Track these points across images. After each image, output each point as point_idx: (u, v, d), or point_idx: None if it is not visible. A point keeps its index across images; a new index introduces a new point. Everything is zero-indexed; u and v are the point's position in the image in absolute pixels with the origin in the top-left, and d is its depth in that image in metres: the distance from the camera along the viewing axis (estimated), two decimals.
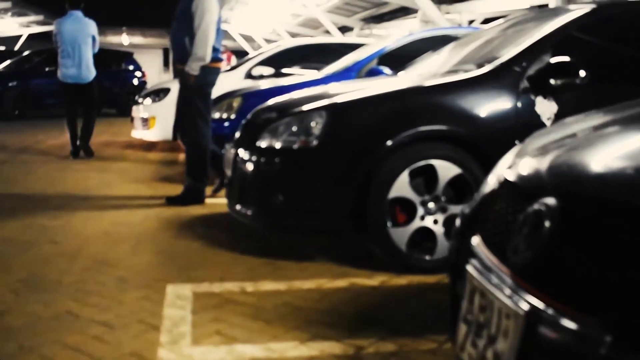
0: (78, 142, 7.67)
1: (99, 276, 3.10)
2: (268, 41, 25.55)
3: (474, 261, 1.57)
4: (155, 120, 8.10)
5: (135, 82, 16.06)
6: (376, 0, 15.57)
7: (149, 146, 8.81)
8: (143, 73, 16.83)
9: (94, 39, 7.68)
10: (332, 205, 3.18)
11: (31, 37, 27.15)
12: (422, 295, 2.95)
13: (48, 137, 10.03)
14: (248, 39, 28.23)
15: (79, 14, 7.65)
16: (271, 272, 3.20)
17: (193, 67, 4.75)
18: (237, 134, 3.86)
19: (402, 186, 3.14)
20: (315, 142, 3.17)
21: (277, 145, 3.31)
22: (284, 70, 8.02)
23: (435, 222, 3.21)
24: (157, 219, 4.36)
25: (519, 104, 3.31)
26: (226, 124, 5.75)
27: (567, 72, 3.27)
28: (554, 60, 3.29)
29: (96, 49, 7.78)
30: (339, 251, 3.58)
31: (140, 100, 8.45)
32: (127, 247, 3.61)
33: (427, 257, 3.22)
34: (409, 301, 2.87)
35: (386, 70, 5.49)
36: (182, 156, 7.80)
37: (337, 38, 12.18)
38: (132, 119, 8.68)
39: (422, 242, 3.23)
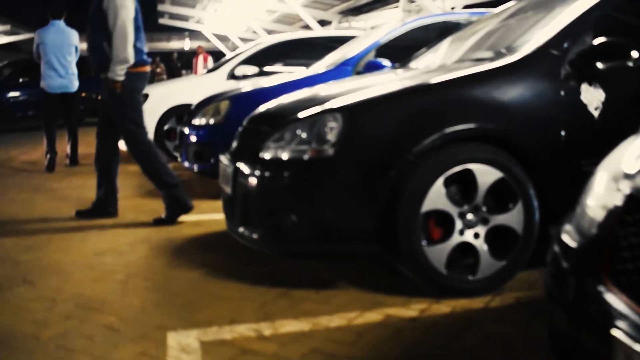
0: (68, 152, 7.67)
1: (84, 326, 2.59)
2: (243, 40, 25.01)
3: (621, 324, 1.10)
4: None
5: None
6: None
7: (129, 157, 8.23)
8: None
9: (76, 48, 7.59)
10: (355, 225, 2.71)
11: None
12: (472, 326, 2.49)
13: (20, 153, 9.43)
14: (222, 38, 27.63)
15: (61, 23, 7.51)
16: (289, 306, 2.72)
17: (117, 72, 4.26)
18: (234, 144, 3.37)
19: (436, 197, 2.67)
20: (331, 151, 2.68)
21: (285, 156, 2.82)
22: (269, 69, 7.54)
23: (476, 235, 2.75)
24: (146, 243, 3.84)
25: (562, 93, 2.86)
26: (213, 130, 5.23)
27: (615, 54, 2.82)
28: (598, 41, 2.84)
29: (76, 58, 7.68)
30: (361, 274, 3.10)
31: None
32: (115, 284, 3.10)
33: (470, 277, 2.76)
34: (460, 335, 2.41)
35: (385, 62, 5.05)
36: None
37: (322, 32, 11.67)
38: None
39: (460, 259, 2.78)
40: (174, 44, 35.44)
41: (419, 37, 5.63)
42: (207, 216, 4.55)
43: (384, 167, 2.66)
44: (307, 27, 18.59)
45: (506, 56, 3.00)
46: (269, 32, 20.69)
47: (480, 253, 2.75)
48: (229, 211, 3.22)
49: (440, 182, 2.66)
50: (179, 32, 31.66)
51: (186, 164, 5.45)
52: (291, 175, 2.77)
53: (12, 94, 13.65)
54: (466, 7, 12.96)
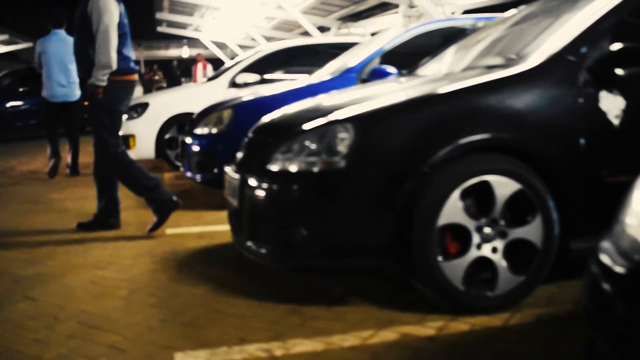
0: (69, 161, 7.63)
1: (87, 346, 2.49)
2: (242, 47, 24.98)
3: None
4: (135, 138, 7.47)
5: None
6: None
7: None
8: None
9: None
10: (368, 239, 2.60)
11: None
12: (492, 345, 2.39)
13: (20, 163, 9.34)
14: (221, 45, 27.59)
15: (62, 33, 7.50)
16: (300, 324, 2.61)
17: (99, 77, 4.18)
18: (240, 156, 3.27)
19: (453, 210, 2.57)
20: (342, 163, 2.58)
21: (293, 168, 2.72)
22: (271, 76, 7.45)
23: (494, 250, 2.65)
24: (149, 256, 3.74)
25: (580, 100, 2.76)
26: (216, 140, 5.13)
27: (635, 60, 2.74)
28: (616, 46, 2.75)
29: None
30: (372, 289, 3.00)
31: None
32: (118, 301, 2.99)
33: (488, 293, 2.66)
34: (480, 356, 2.31)
35: (390, 69, 4.96)
36: (167, 175, 7.19)
37: (323, 38, 11.57)
38: None
39: (477, 274, 2.68)
40: (173, 52, 35.38)
41: (424, 44, 5.55)
42: (211, 228, 4.45)
43: (398, 180, 2.56)
44: (306, 33, 18.53)
45: (521, 63, 2.91)
46: (268, 39, 20.65)
47: (498, 268, 2.66)
48: (236, 224, 3.11)
49: (456, 194, 2.56)
50: (178, 39, 31.59)
51: (189, 174, 5.35)
52: (300, 188, 2.67)
53: (12, 103, 13.58)
54: (466, 12, 12.92)
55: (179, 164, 7.39)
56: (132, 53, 4.44)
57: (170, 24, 24.20)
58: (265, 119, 3.42)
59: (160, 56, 37.13)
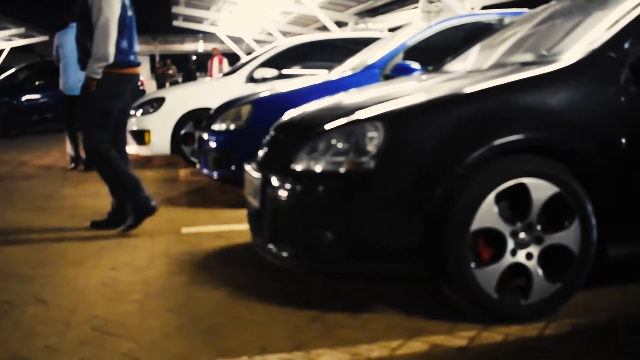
0: (82, 157, 7.53)
1: (100, 354, 2.37)
2: (258, 42, 24.84)
3: None
4: (150, 133, 7.38)
5: None
6: None
7: (145, 162, 8.07)
8: (142, 82, 16.21)
9: None
10: (397, 244, 2.46)
11: (13, 50, 26.28)
12: (527, 357, 2.25)
13: (34, 157, 9.28)
14: (236, 40, 27.46)
15: None
16: (323, 333, 2.48)
17: (94, 69, 4.06)
18: (261, 154, 3.13)
19: (487, 214, 2.43)
20: (371, 163, 2.44)
21: (319, 168, 2.58)
22: (289, 72, 7.32)
23: (529, 256, 2.50)
24: (166, 257, 3.62)
25: (622, 99, 2.61)
26: (235, 136, 5.01)
27: None
28: None
29: None
30: (398, 295, 2.86)
31: (132, 112, 7.69)
32: (133, 305, 2.87)
33: (522, 301, 2.51)
34: None
35: (415, 65, 4.80)
36: (182, 172, 7.09)
37: (342, 33, 11.42)
38: None
39: (510, 281, 2.53)
40: (188, 46, 35.33)
41: (448, 39, 5.39)
42: (228, 227, 4.33)
43: (430, 182, 2.41)
44: (323, 28, 18.36)
45: (558, 60, 2.76)
46: (284, 34, 20.51)
47: (533, 275, 2.51)
48: (256, 225, 2.98)
49: (491, 197, 2.42)
50: (193, 34, 31.50)
51: (205, 171, 5.23)
52: (326, 189, 2.53)
53: (28, 97, 13.54)
54: (485, 7, 12.69)
55: (194, 160, 7.29)
56: (136, 46, 4.33)
57: (186, 18, 24.08)
58: (288, 115, 3.29)
59: (175, 50, 37.11)
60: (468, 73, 3.27)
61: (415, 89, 3.02)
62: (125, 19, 4.17)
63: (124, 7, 4.16)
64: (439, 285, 2.56)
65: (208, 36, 30.84)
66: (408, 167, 2.43)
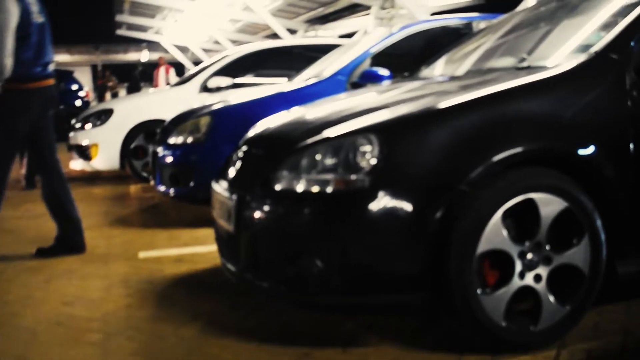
0: (24, 173, 7.06)
1: None
2: (205, 51, 24.39)
3: None
4: (97, 147, 6.96)
5: (78, 102, 14.86)
6: (322, 0, 14.67)
7: (92, 178, 7.62)
8: (86, 93, 15.63)
9: None
10: (397, 271, 2.19)
11: None
12: None
13: None
14: (182, 49, 26.92)
15: None
16: None
17: None
18: (232, 171, 2.82)
19: (494, 234, 2.18)
20: (366, 182, 2.16)
21: (302, 187, 2.29)
22: (244, 80, 7.02)
23: (538, 278, 2.27)
24: (124, 288, 3.26)
25: (629, 103, 2.41)
26: (193, 150, 4.66)
27: None
28: None
29: None
30: (391, 325, 2.59)
31: (77, 125, 7.25)
32: (91, 348, 2.51)
33: (531, 328, 2.28)
34: None
35: (383, 72, 4.57)
36: (133, 188, 6.69)
37: (299, 40, 11.14)
38: (69, 148, 7.47)
39: (516, 306, 2.30)
40: (132, 56, 34.44)
41: (415, 45, 5.19)
42: (190, 249, 3.99)
43: (432, 200, 2.15)
44: (272, 36, 18.09)
45: (557, 64, 2.55)
46: (233, 42, 20.15)
47: (542, 299, 2.28)
48: (230, 252, 2.66)
49: (498, 216, 2.18)
50: (137, 43, 30.76)
51: (161, 188, 4.86)
52: (314, 211, 2.24)
53: None
54: (434, 14, 12.63)
55: (146, 175, 6.90)
56: (48, 56, 3.90)
57: (130, 27, 23.46)
58: (260, 128, 2.98)
59: (119, 60, 36.16)
60: (455, 79, 3.04)
61: (402, 98, 2.76)
62: (28, 26, 3.72)
63: (26, 13, 3.71)
64: (441, 314, 2.30)
65: (152, 45, 30.17)
66: (407, 185, 2.16)
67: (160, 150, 4.92)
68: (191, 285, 3.28)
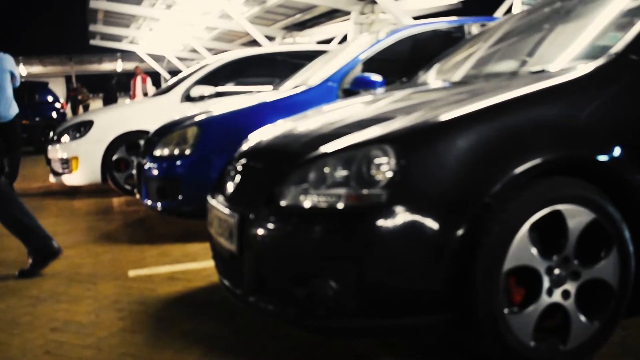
0: None
1: None
2: (181, 59, 24.14)
3: None
4: (78, 160, 6.73)
5: (54, 114, 14.55)
6: (300, 6, 14.53)
7: (73, 192, 7.37)
8: (62, 104, 15.32)
9: (12, 74, 7.03)
10: (416, 293, 2.03)
11: None
12: None
13: None
14: (157, 58, 26.61)
15: None
16: None
17: None
18: (231, 186, 2.65)
19: (521, 249, 2.05)
20: (383, 196, 2.01)
21: (311, 203, 2.13)
22: (227, 89, 6.86)
23: (566, 295, 2.14)
24: (115, 311, 3.07)
25: None
26: (181, 162, 4.48)
27: None
28: None
29: (17, 84, 7.11)
30: (403, 344, 2.44)
31: (55, 137, 7.01)
32: None
33: (561, 347, 2.14)
34: None
35: (376, 78, 4.44)
36: (116, 202, 6.47)
37: (282, 47, 11.00)
38: (48, 161, 7.23)
39: (542, 324, 2.16)
40: (106, 66, 33.98)
41: (406, 49, 5.07)
42: (182, 266, 3.81)
43: (454, 215, 2.01)
44: (249, 44, 17.93)
45: (575, 66, 2.43)
46: (209, 50, 19.94)
47: (572, 316, 2.15)
48: (232, 273, 2.49)
49: (525, 230, 2.04)
50: (111, 53, 30.32)
51: (147, 202, 4.66)
52: (325, 228, 2.08)
53: None
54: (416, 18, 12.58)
55: (128, 187, 6.69)
56: None
57: (104, 37, 23.09)
58: (259, 139, 2.82)
59: (93, 70, 35.68)
60: (460, 84, 2.90)
61: (409, 105, 2.62)
62: None
63: None
64: (462, 336, 2.16)
65: (127, 55, 29.78)
66: (426, 199, 2.01)
67: (145, 163, 4.72)
68: (187, 305, 3.10)
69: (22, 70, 30.94)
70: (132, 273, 3.72)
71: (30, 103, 14.16)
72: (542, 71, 2.53)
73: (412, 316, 2.04)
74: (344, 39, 15.42)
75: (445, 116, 2.13)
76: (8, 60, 7.03)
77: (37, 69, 33.30)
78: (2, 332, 2.87)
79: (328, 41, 16.82)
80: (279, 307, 2.21)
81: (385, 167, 2.04)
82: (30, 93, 14.46)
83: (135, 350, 2.57)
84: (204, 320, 2.85)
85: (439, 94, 2.77)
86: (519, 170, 2.03)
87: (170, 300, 3.19)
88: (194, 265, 3.81)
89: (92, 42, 23.80)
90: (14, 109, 7.01)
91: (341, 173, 2.12)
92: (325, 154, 2.19)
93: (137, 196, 4.98)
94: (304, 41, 17.26)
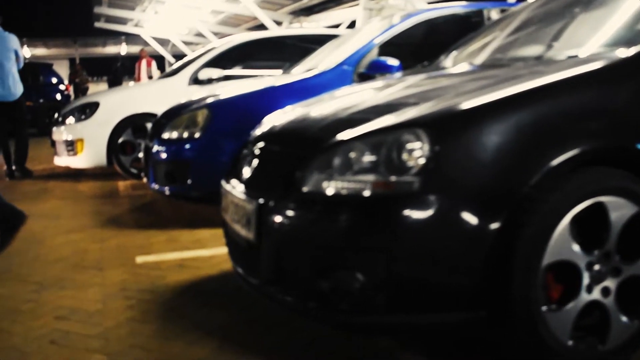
0: (13, 165, 7.27)
1: None
2: (186, 43, 23.91)
3: None
4: (83, 142, 6.60)
5: (58, 96, 14.39)
6: None
7: (77, 175, 7.24)
8: (66, 86, 15.16)
9: (16, 53, 7.03)
10: (450, 287, 1.90)
11: None
12: None
13: None
14: (162, 42, 26.37)
15: None
16: None
17: None
18: (247, 171, 2.51)
19: (562, 243, 1.92)
20: (416, 184, 1.87)
21: (336, 190, 2.00)
22: (235, 72, 6.71)
23: (606, 292, 2.01)
24: (123, 299, 2.94)
25: None
26: (190, 145, 4.34)
27: None
28: None
29: (20, 65, 7.14)
30: (423, 341, 2.32)
31: (61, 119, 6.88)
32: None
33: (600, 347, 2.02)
34: None
35: (392, 62, 4.29)
36: (122, 186, 6.34)
37: (292, 31, 10.83)
38: (52, 143, 7.10)
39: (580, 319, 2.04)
40: (110, 49, 33.76)
41: (422, 34, 4.91)
42: (191, 253, 3.68)
43: (491, 205, 1.87)
44: (255, 28, 17.70)
45: (615, 50, 2.29)
46: (215, 34, 19.72)
47: (611, 314, 2.02)
48: (248, 262, 2.37)
49: (566, 222, 1.91)
50: (116, 36, 30.08)
51: (155, 186, 4.53)
52: (352, 217, 1.95)
53: None
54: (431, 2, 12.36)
55: (135, 170, 6.56)
56: None
57: (109, 19, 22.83)
58: (277, 122, 2.67)
59: (97, 54, 35.46)
60: (490, 68, 2.76)
61: (438, 87, 2.48)
62: None
63: None
64: (495, 334, 2.03)
65: (131, 38, 29.53)
66: (462, 188, 1.88)
67: (153, 146, 4.59)
68: (198, 294, 2.97)
69: (27, 52, 30.74)
70: (139, 259, 3.60)
71: (34, 84, 13.97)
72: (577, 56, 2.39)
73: (443, 313, 1.92)
74: (351, 24, 15.21)
75: (482, 100, 1.99)
76: (13, 39, 7.02)
77: (41, 51, 33.07)
78: (4, 319, 2.75)
79: (335, 27, 16.61)
80: (299, 299, 2.08)
81: (417, 152, 1.90)
82: (34, 74, 14.28)
83: (144, 342, 2.44)
84: (215, 310, 2.73)
85: (469, 77, 2.63)
86: (560, 159, 1.89)
87: (180, 288, 3.07)
88: (203, 252, 3.68)
89: (97, 24, 23.56)
90: (19, 88, 7.03)
91: (369, 158, 1.98)
92: (352, 138, 2.05)
93: (144, 180, 4.85)
94: (311, 27, 17.04)
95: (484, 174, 1.89)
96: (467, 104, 1.99)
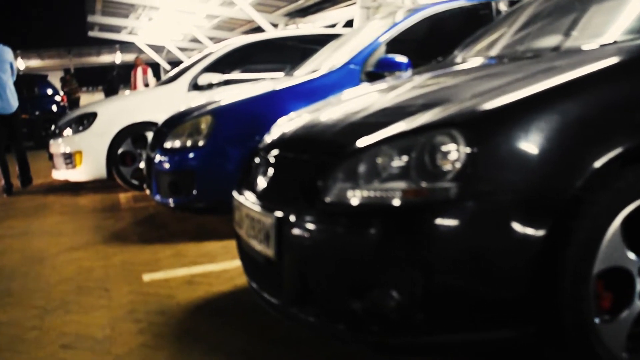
0: (19, 177, 7.30)
1: None
2: (181, 49, 23.76)
3: None
4: (81, 155, 6.43)
5: (54, 108, 14.22)
6: None
7: (77, 188, 7.07)
8: (62, 97, 14.98)
9: (11, 66, 7.08)
10: (495, 303, 1.73)
11: None
12: None
13: None
14: (157, 49, 26.22)
15: None
16: None
17: None
18: (262, 181, 2.34)
19: (613, 248, 1.75)
20: (453, 190, 1.70)
21: (362, 200, 1.83)
22: (237, 76, 6.54)
23: None
24: (132, 322, 2.77)
25: None
26: (194, 154, 4.17)
27: None
28: None
29: (14, 77, 7.15)
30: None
31: (57, 131, 6.71)
32: None
33: None
34: None
35: (401, 59, 4.13)
36: (123, 198, 6.17)
37: (293, 32, 10.68)
38: (50, 156, 6.93)
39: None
40: (105, 58, 33.58)
41: (430, 29, 4.75)
42: (201, 268, 3.51)
43: (537, 211, 1.70)
44: (251, 31, 17.54)
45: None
46: (210, 39, 19.55)
47: None
48: (268, 281, 2.20)
49: (617, 225, 1.74)
50: (110, 44, 29.91)
51: (158, 197, 4.36)
52: (384, 229, 1.78)
53: None
54: None
55: (136, 182, 6.39)
56: None
57: (103, 28, 22.67)
58: (290, 128, 2.51)
59: (91, 63, 35.29)
60: (516, 60, 2.58)
61: (466, 83, 2.31)
62: None
63: None
64: (544, 351, 1.86)
65: (126, 46, 29.39)
66: (503, 193, 1.71)
67: (155, 156, 4.42)
68: (212, 314, 2.80)
69: (21, 63, 30.55)
70: (146, 277, 3.43)
71: (30, 96, 13.81)
72: (615, 42, 2.22)
73: (489, 330, 1.75)
74: (347, 24, 15.05)
75: (519, 95, 1.82)
76: (8, 52, 7.06)
77: (35, 62, 32.90)
78: (5, 350, 2.57)
79: (331, 27, 16.46)
80: (326, 321, 1.91)
81: (453, 155, 1.73)
82: (29, 86, 14.12)
83: None
84: (233, 331, 2.56)
85: (492, 71, 2.45)
86: (608, 155, 1.72)
87: (192, 308, 2.90)
88: (213, 266, 3.51)
89: (91, 33, 23.40)
90: (16, 101, 7.07)
91: (398, 164, 1.82)
92: (378, 142, 1.88)
93: (147, 192, 4.69)
94: (308, 27, 16.88)
95: (526, 176, 1.72)
96: (503, 100, 1.82)
